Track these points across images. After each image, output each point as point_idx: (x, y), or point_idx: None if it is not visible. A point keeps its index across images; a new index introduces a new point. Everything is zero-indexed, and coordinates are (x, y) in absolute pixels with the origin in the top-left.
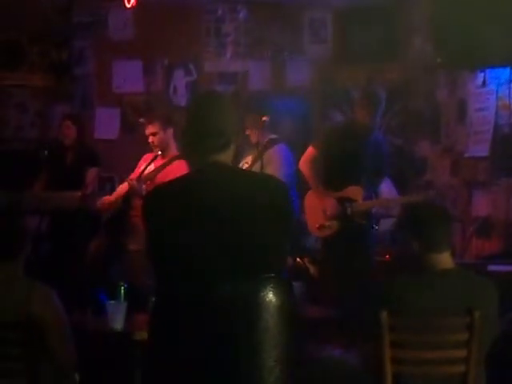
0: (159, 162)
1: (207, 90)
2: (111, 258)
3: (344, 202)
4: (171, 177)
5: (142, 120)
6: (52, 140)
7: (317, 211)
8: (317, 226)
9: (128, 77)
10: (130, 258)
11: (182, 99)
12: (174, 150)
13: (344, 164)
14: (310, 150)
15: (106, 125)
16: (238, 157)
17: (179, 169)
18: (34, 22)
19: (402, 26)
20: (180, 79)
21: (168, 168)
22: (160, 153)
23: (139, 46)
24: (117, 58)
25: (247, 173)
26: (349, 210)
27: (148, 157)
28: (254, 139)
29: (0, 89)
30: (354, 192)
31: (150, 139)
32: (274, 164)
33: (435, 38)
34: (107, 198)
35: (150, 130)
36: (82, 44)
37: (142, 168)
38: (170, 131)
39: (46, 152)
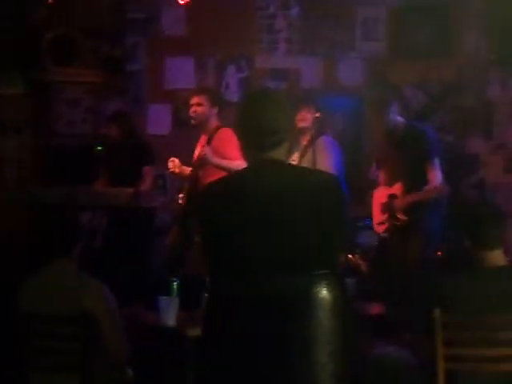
0: (204, 140)
1: (261, 87)
2: (183, 250)
3: (391, 198)
4: (220, 151)
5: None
6: (104, 136)
7: (377, 208)
8: (377, 222)
9: (180, 73)
10: (196, 248)
11: (233, 95)
12: (214, 126)
13: (389, 163)
14: None
15: (158, 121)
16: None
17: (224, 136)
18: (87, 18)
19: (456, 23)
20: (232, 75)
21: (213, 143)
22: (197, 124)
23: (191, 43)
24: (169, 55)
25: (300, 169)
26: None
27: (201, 141)
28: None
29: (52, 84)
30: (397, 188)
31: (193, 109)
32: (325, 152)
33: (489, 35)
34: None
35: (195, 100)
36: (134, 40)
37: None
38: (215, 110)
39: (99, 148)
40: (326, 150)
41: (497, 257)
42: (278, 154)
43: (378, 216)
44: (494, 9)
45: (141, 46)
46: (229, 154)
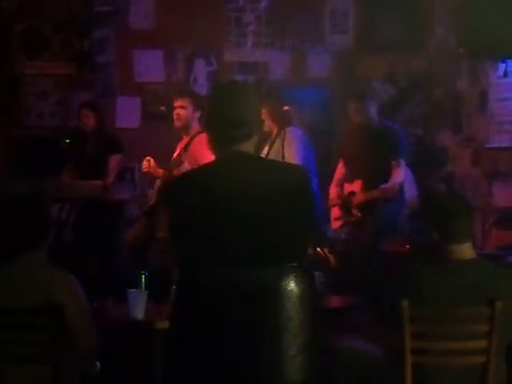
0: (183, 143)
1: (229, 80)
2: (147, 244)
3: (349, 195)
4: (197, 154)
5: (174, 96)
6: (73, 128)
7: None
8: (334, 217)
9: (149, 66)
10: (160, 244)
11: (202, 89)
12: (194, 130)
13: (351, 159)
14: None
15: (127, 114)
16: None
17: (201, 144)
18: (56, 10)
19: (425, 15)
20: (201, 69)
21: (191, 146)
22: (180, 127)
23: (160, 36)
24: (138, 47)
25: (269, 162)
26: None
27: (181, 143)
28: (270, 128)
29: (22, 77)
30: (356, 185)
31: (176, 111)
32: (293, 145)
33: (458, 27)
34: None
35: (179, 103)
36: (103, 33)
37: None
38: (197, 114)
39: (67, 140)
40: (294, 142)
41: (466, 250)
42: (248, 146)
43: (335, 211)
44: (463, 1)
45: (109, 39)
46: (204, 160)
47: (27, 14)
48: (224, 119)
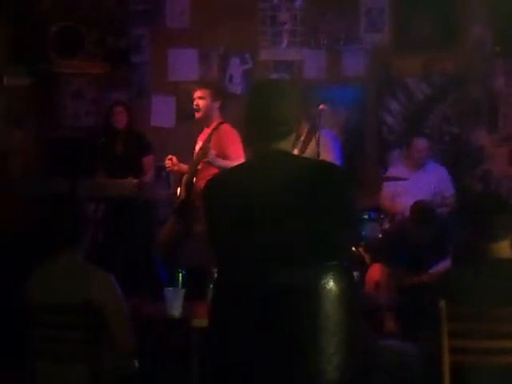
0: (205, 134)
1: (268, 78)
2: (180, 242)
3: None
4: (223, 144)
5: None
6: (105, 126)
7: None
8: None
9: (184, 65)
10: (196, 240)
11: (237, 87)
12: (216, 121)
13: None
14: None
15: (162, 113)
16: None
17: (225, 133)
18: (92, 9)
19: (461, 13)
20: (236, 67)
21: (215, 137)
22: (200, 118)
23: (195, 35)
24: (173, 46)
25: (309, 160)
26: None
27: (202, 135)
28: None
29: (57, 76)
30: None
31: (195, 102)
32: (327, 147)
33: (494, 26)
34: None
35: (198, 93)
36: (139, 32)
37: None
38: (217, 103)
39: (103, 139)
40: (330, 145)
41: (503, 248)
42: (285, 144)
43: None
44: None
45: (145, 38)
46: (229, 153)
47: (62, 14)
48: (265, 117)
